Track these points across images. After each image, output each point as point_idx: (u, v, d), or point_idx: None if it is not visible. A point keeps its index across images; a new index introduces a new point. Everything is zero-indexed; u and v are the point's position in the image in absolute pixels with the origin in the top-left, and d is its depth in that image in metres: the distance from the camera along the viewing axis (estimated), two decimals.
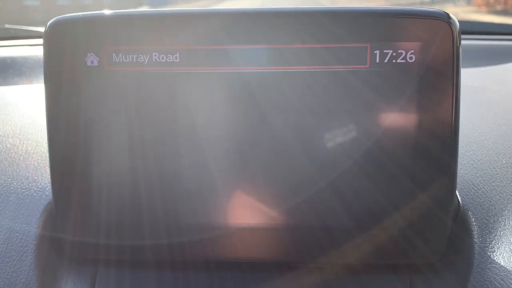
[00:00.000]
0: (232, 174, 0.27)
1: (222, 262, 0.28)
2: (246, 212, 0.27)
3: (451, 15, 0.24)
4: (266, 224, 0.27)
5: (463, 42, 0.25)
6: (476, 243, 0.26)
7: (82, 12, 0.26)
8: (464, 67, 0.27)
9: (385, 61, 0.25)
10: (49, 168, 0.27)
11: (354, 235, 0.26)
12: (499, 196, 0.28)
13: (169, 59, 0.25)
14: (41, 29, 0.70)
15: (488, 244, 0.26)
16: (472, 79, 0.44)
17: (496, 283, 0.24)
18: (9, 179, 0.31)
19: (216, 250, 0.27)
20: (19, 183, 0.31)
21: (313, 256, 0.27)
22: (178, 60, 0.25)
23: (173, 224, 0.27)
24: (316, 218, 0.27)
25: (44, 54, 0.26)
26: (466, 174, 0.30)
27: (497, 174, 0.29)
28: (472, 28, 0.70)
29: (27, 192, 0.30)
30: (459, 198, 0.29)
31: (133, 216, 0.27)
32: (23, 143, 0.34)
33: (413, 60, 0.24)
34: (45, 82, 0.26)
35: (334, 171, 0.26)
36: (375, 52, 0.25)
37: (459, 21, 0.25)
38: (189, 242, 0.27)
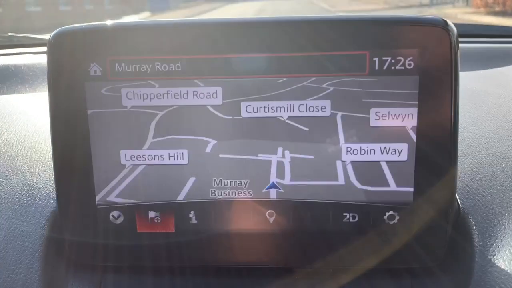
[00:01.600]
0: (233, 180, 0.27)
1: (222, 268, 0.28)
2: (246, 217, 0.27)
3: (448, 21, 0.25)
4: (266, 229, 0.27)
5: (461, 45, 0.25)
6: (477, 247, 0.26)
7: (85, 23, 0.26)
8: (463, 70, 0.27)
9: (384, 68, 0.25)
10: (53, 176, 0.28)
11: (354, 239, 0.27)
12: (499, 200, 0.28)
13: (171, 68, 0.26)
14: (44, 37, 0.71)
15: (488, 248, 0.26)
16: (471, 83, 0.44)
17: (497, 287, 0.24)
18: (14, 187, 0.31)
19: (215, 256, 0.28)
20: (23, 191, 0.31)
21: (313, 261, 0.27)
22: (180, 69, 0.26)
23: (174, 229, 0.28)
24: (316, 223, 0.27)
25: (48, 64, 0.26)
26: (466, 178, 0.30)
27: (496, 177, 0.30)
28: (471, 31, 0.70)
29: (31, 200, 0.30)
30: (459, 202, 0.29)
31: (136, 222, 0.28)
32: (27, 151, 0.34)
33: (411, 66, 0.25)
34: (49, 92, 0.26)
35: (334, 175, 0.26)
36: (374, 59, 0.25)
37: (457, 24, 0.25)
38: (190, 248, 0.28)
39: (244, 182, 0.27)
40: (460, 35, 0.25)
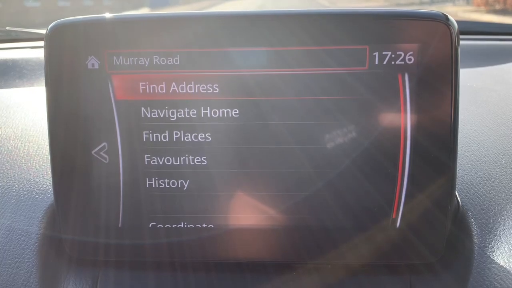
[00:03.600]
0: (232, 175, 0.27)
1: (222, 263, 0.28)
2: (246, 213, 0.27)
3: (449, 16, 0.25)
4: (266, 225, 0.27)
5: (462, 42, 0.25)
6: (476, 243, 0.26)
7: (83, 16, 0.26)
8: (463, 67, 0.27)
9: (384, 62, 0.25)
10: (50, 170, 0.28)
11: (353, 235, 0.27)
12: (499, 197, 0.28)
13: (170, 61, 0.26)
14: (42, 31, 0.70)
15: (487, 245, 0.26)
16: (471, 80, 0.44)
17: (496, 283, 0.24)
18: (11, 181, 0.31)
19: (215, 251, 0.28)
20: (20, 185, 0.31)
21: (313, 257, 0.27)
22: (178, 62, 0.26)
23: (173, 225, 0.27)
24: (315, 219, 0.27)
25: (45, 57, 0.26)
26: (466, 174, 0.30)
27: (496, 174, 0.30)
28: (472, 28, 0.70)
29: (28, 194, 0.30)
30: (458, 199, 0.29)
31: (134, 217, 0.27)
32: (24, 145, 0.34)
33: (411, 61, 0.25)
34: (46, 85, 0.26)
35: (333, 172, 0.26)
36: (374, 54, 0.25)
37: (458, 21, 0.25)
38: (189, 243, 0.28)
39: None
40: (461, 33, 0.25)
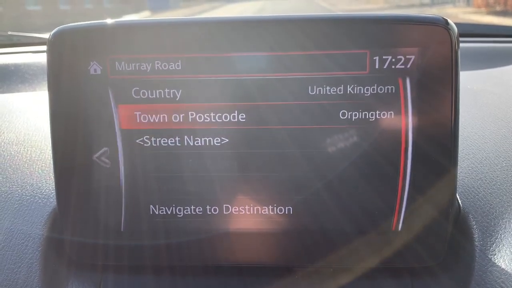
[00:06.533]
0: (232, 179, 0.27)
1: (222, 267, 0.28)
2: (247, 217, 0.27)
3: (449, 20, 0.25)
4: (267, 229, 0.27)
5: (462, 45, 0.25)
6: (477, 246, 0.26)
7: (85, 21, 0.26)
8: (463, 70, 0.27)
9: (384, 66, 0.25)
10: (53, 175, 0.28)
11: (354, 239, 0.27)
12: (500, 199, 0.28)
13: (171, 67, 0.26)
14: (44, 36, 0.71)
15: (489, 248, 0.26)
16: (472, 82, 0.44)
17: (497, 287, 0.24)
18: (14, 186, 0.31)
19: (216, 255, 0.28)
20: (23, 190, 0.31)
21: (313, 260, 0.27)
22: (180, 68, 0.26)
23: (174, 230, 0.28)
24: (316, 222, 0.27)
25: (47, 62, 0.26)
26: (467, 177, 0.30)
27: (497, 177, 0.30)
28: (472, 31, 0.70)
29: (31, 199, 0.30)
30: (459, 202, 0.29)
31: (136, 222, 0.28)
32: (27, 150, 0.34)
33: (412, 65, 0.25)
34: (49, 90, 0.26)
35: (335, 176, 0.26)
36: (374, 58, 0.25)
37: (457, 24, 0.25)
38: (191, 247, 0.28)
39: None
40: (461, 35, 0.25)
